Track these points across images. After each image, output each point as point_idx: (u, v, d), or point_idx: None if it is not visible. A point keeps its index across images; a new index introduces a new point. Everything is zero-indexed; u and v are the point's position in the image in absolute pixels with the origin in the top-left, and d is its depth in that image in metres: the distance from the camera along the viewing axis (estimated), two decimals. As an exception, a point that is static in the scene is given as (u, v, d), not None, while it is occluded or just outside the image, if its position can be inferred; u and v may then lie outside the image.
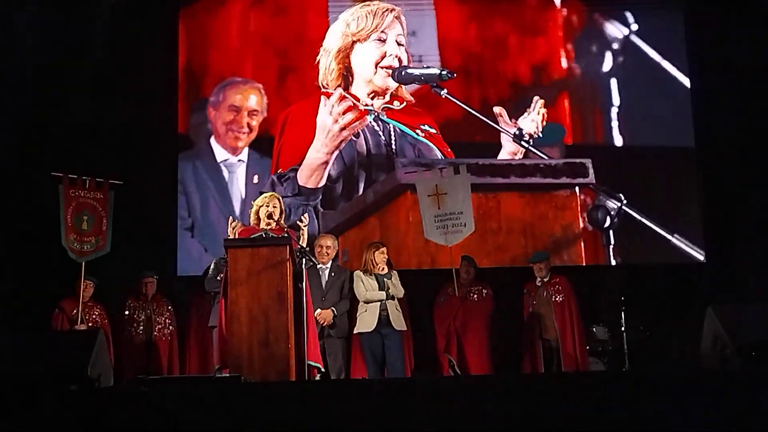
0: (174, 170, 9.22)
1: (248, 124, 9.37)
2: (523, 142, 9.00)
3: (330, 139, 9.05)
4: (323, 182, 9.07)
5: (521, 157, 9.11)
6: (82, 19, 9.11)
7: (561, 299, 7.81)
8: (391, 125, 9.30)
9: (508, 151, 9.17)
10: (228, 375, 5.99)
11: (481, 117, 9.10)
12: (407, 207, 8.67)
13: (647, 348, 8.17)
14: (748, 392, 4.88)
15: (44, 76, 8.90)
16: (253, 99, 9.45)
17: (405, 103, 9.34)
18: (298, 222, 6.86)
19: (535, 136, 9.14)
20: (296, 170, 9.08)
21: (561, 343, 7.75)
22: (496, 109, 9.18)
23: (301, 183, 9.05)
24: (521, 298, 8.06)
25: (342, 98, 9.13)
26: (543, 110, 9.22)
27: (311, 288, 6.72)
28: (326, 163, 9.06)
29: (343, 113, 9.05)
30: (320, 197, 9.05)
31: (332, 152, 9.07)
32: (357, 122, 9.10)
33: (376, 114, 9.28)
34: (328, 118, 9.07)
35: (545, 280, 7.94)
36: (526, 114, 9.21)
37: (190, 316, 8.17)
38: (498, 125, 9.12)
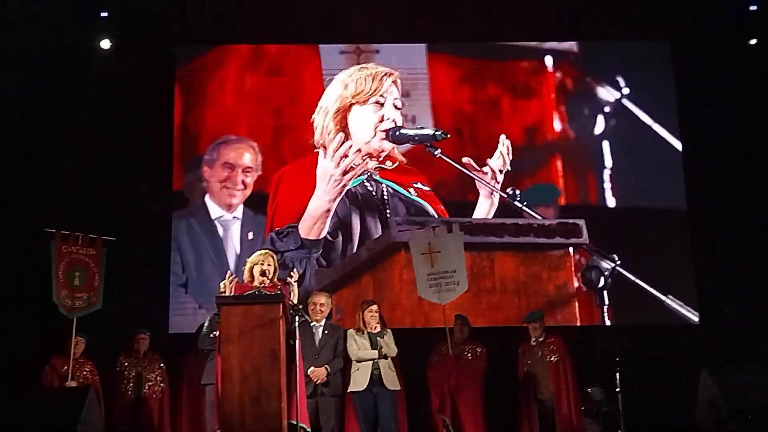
0: (168, 227, 9.22)
1: (243, 182, 9.42)
2: (516, 202, 9.04)
3: (332, 185, 9.09)
4: (325, 232, 9.08)
5: (493, 215, 9.16)
6: (77, 75, 9.19)
7: (556, 359, 7.77)
8: (383, 184, 9.34)
9: (483, 209, 9.21)
10: (219, 435, 5.92)
11: (474, 176, 9.17)
12: (401, 265, 8.65)
13: (643, 410, 8.11)
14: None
15: (38, 131, 8.94)
16: (248, 156, 9.50)
17: (397, 163, 9.40)
18: (287, 278, 6.71)
19: (504, 169, 9.22)
20: (294, 226, 9.08)
21: (556, 403, 7.68)
22: (465, 159, 9.23)
23: (303, 235, 9.06)
24: (516, 357, 8.02)
25: (342, 141, 9.16)
26: (507, 142, 9.29)
27: (304, 346, 6.66)
28: (328, 211, 9.10)
29: (344, 156, 9.09)
30: (321, 249, 9.05)
31: (335, 199, 9.10)
32: (359, 166, 9.14)
33: (369, 173, 9.33)
34: (329, 163, 9.10)
35: (540, 339, 7.89)
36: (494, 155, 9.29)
37: (182, 373, 8.11)
38: (489, 184, 9.14)
